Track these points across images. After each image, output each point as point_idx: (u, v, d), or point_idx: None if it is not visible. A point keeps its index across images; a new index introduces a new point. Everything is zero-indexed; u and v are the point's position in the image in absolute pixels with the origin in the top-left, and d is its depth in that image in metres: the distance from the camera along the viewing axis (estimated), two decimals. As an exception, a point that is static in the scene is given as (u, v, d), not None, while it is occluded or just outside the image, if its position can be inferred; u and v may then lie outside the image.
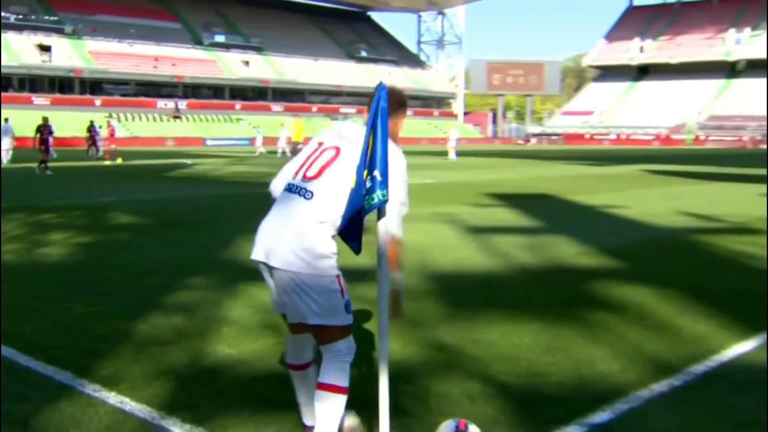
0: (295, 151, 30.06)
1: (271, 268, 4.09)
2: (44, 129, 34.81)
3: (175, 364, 6.12)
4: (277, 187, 4.40)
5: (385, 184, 3.58)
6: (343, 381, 4.14)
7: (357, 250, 4.06)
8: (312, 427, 4.32)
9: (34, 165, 33.71)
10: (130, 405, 5.21)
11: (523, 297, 8.75)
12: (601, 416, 5.05)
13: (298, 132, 29.62)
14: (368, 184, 3.60)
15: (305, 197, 4.05)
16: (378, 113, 3.65)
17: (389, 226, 4.03)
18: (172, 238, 13.41)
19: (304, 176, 4.14)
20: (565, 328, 7.29)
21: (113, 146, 48.86)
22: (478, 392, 5.48)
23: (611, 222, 16.29)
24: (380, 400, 3.96)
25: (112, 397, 5.35)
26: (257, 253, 4.15)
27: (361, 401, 4.63)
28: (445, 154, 54.01)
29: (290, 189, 4.19)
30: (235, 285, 8.99)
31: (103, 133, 50.67)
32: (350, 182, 3.83)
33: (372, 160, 3.58)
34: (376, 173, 3.56)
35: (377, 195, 3.59)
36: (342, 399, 4.13)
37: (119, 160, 43.10)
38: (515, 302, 8.41)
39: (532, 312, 7.88)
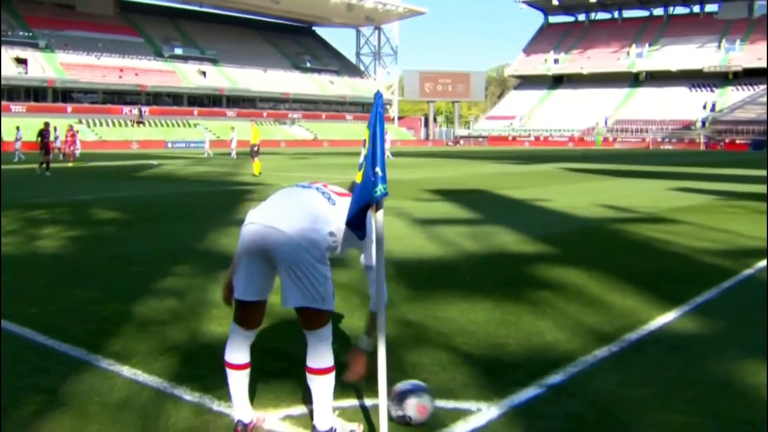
0: (253, 153, 29.92)
1: (267, 251, 3.95)
2: (45, 134, 34.40)
3: (177, 341, 6.20)
4: None
5: (384, 179, 3.71)
6: (332, 361, 4.10)
7: (362, 237, 4.10)
8: (246, 422, 4.25)
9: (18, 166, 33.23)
10: (142, 377, 5.29)
11: (473, 279, 8.89)
12: (554, 378, 5.26)
13: (254, 135, 29.60)
14: (372, 179, 3.71)
15: (329, 200, 4.13)
16: (376, 118, 3.77)
17: (379, 293, 4.06)
18: (152, 231, 13.32)
19: (325, 185, 4.25)
20: (513, 305, 7.47)
21: (73, 149, 47.70)
22: (447, 361, 5.65)
23: (540, 213, 16.52)
24: (379, 367, 4.04)
25: (126, 370, 5.43)
26: (258, 218, 4.02)
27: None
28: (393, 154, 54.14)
29: (305, 186, 4.24)
30: (216, 272, 9.02)
31: (62, 138, 49.26)
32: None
33: (373, 159, 3.71)
34: (377, 170, 3.69)
35: (379, 189, 3.71)
36: (333, 376, 4.11)
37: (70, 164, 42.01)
38: (467, 284, 8.57)
39: (483, 292, 8.04)
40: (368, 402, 4.74)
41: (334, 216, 4.07)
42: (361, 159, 3.83)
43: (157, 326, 6.67)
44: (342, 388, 4.96)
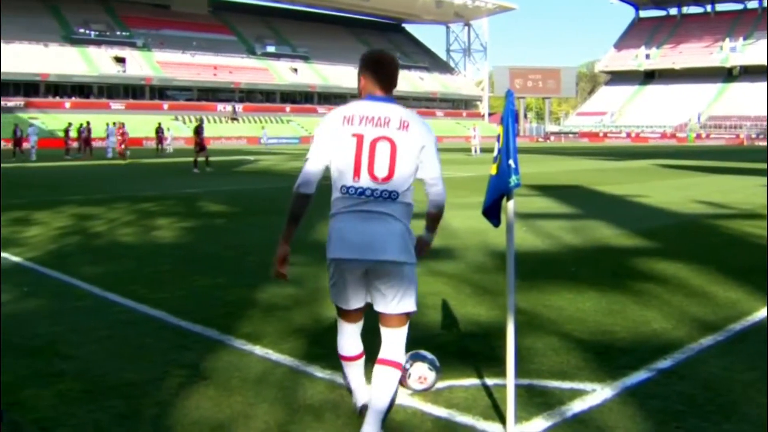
0: None
1: (364, 263, 4.05)
2: (200, 130, 31.77)
3: (301, 325, 6.57)
4: (311, 187, 4.21)
5: (517, 170, 3.98)
6: (404, 358, 4.32)
7: (497, 224, 4.31)
8: (367, 406, 4.29)
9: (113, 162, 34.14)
10: (275, 356, 5.67)
11: (577, 271, 9.10)
12: (663, 363, 5.46)
13: None
14: (506, 170, 3.98)
15: (391, 198, 4.00)
16: (508, 114, 4.04)
17: (444, 199, 4.32)
18: (261, 223, 13.81)
19: (375, 177, 3.98)
20: (618, 295, 7.67)
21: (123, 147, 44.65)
22: (559, 346, 5.90)
23: (637, 209, 16.57)
24: (508, 348, 4.31)
25: (258, 350, 5.82)
26: (346, 252, 4.07)
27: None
28: (469, 150, 54.17)
29: (364, 192, 4.00)
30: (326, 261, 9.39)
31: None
32: (414, 172, 4.06)
33: (506, 151, 3.98)
34: (511, 162, 3.96)
35: (513, 179, 3.97)
36: (399, 373, 4.23)
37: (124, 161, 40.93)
38: (571, 275, 8.79)
39: (588, 283, 8.25)
40: (489, 381, 5.04)
41: (404, 207, 4.14)
42: (496, 152, 4.09)
43: (281, 311, 7.06)
44: (463, 368, 5.29)
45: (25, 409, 4.61)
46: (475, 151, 51.80)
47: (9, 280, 8.58)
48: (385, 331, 4.23)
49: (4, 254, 10.30)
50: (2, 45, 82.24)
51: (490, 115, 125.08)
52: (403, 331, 4.22)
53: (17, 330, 6.46)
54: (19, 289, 8.12)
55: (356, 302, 4.30)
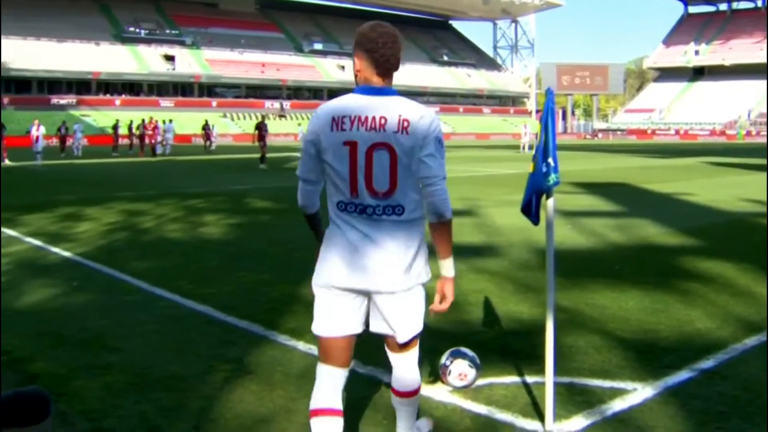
0: None
1: (361, 292, 3.47)
2: (262, 126, 32.81)
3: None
4: (314, 206, 3.72)
5: (556, 168, 3.98)
6: (420, 380, 3.83)
7: (536, 222, 4.27)
8: None
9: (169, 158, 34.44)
10: (317, 351, 5.70)
11: (621, 269, 9.05)
12: (706, 363, 5.43)
13: None
14: (545, 169, 3.98)
15: (396, 213, 3.38)
16: (548, 112, 4.04)
17: (445, 204, 3.40)
18: (306, 219, 13.79)
19: (374, 192, 3.35)
20: (662, 294, 7.63)
21: (153, 142, 44.75)
22: (601, 344, 5.89)
23: (684, 207, 16.42)
24: (547, 346, 4.31)
25: (301, 345, 5.89)
26: (341, 278, 3.44)
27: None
28: (517, 147, 53.98)
29: (364, 210, 3.39)
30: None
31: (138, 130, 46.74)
32: (419, 174, 3.34)
33: (545, 149, 3.98)
34: (550, 160, 3.97)
35: (551, 178, 3.97)
36: (418, 398, 3.86)
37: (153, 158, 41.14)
38: (615, 273, 8.75)
39: (631, 282, 8.21)
40: (530, 379, 5.05)
41: (410, 226, 3.48)
42: (534, 150, 4.10)
43: (316, 308, 7.11)
44: (503, 365, 5.30)
45: (73, 400, 4.72)
46: (524, 149, 51.60)
47: (60, 275, 8.78)
48: (394, 357, 3.77)
49: (55, 249, 10.53)
50: (55, 44, 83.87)
51: (537, 112, 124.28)
52: (414, 353, 3.71)
53: (67, 323, 6.61)
54: (69, 283, 8.29)
55: (347, 327, 3.58)
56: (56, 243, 10.97)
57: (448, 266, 3.53)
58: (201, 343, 5.96)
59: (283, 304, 7.21)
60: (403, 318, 3.53)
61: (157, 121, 45.95)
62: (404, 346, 3.66)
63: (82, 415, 4.52)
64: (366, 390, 4.92)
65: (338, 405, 3.66)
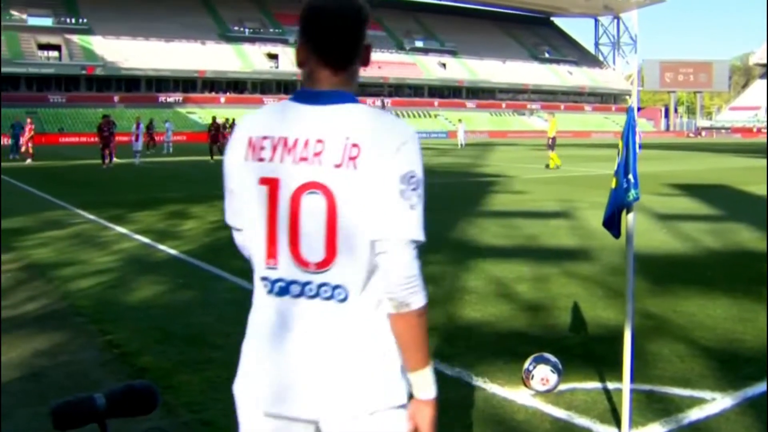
0: (550, 145, 30.34)
1: (303, 423, 2.17)
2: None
3: (436, 323, 6.78)
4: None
5: (636, 185, 4.11)
6: None
7: (617, 235, 4.39)
8: None
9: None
10: None
11: (712, 276, 9.02)
12: (790, 376, 5.46)
13: (552, 127, 30.37)
14: (625, 185, 4.11)
15: (336, 298, 2.11)
16: (629, 129, 4.15)
17: (408, 286, 2.08)
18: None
19: (302, 260, 2.11)
20: (751, 303, 7.59)
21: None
22: (685, 353, 5.96)
23: (784, 211, 16.10)
24: (624, 353, 4.43)
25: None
26: (268, 403, 2.17)
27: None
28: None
29: (286, 289, 2.15)
30: (465, 260, 9.65)
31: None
32: (369, 234, 2.02)
33: (626, 167, 4.10)
34: (630, 177, 4.09)
35: (631, 193, 4.10)
36: None
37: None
38: (706, 280, 8.73)
39: (722, 289, 8.18)
40: (611, 385, 5.16)
41: (356, 315, 2.14)
42: (616, 167, 4.23)
43: (416, 309, 7.31)
44: (586, 371, 5.42)
45: (177, 393, 5.06)
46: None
47: (166, 272, 9.26)
48: None
49: (162, 246, 11.04)
50: (164, 44, 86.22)
51: (639, 109, 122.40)
52: None
53: (174, 319, 7.00)
54: (175, 280, 8.72)
55: None
56: (163, 240, 11.47)
57: (421, 382, 2.18)
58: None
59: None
60: None
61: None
62: None
63: (185, 406, 4.84)
64: (454, 391, 5.09)
65: None
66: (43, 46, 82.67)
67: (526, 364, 5.08)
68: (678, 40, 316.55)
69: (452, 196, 18.47)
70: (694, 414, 4.71)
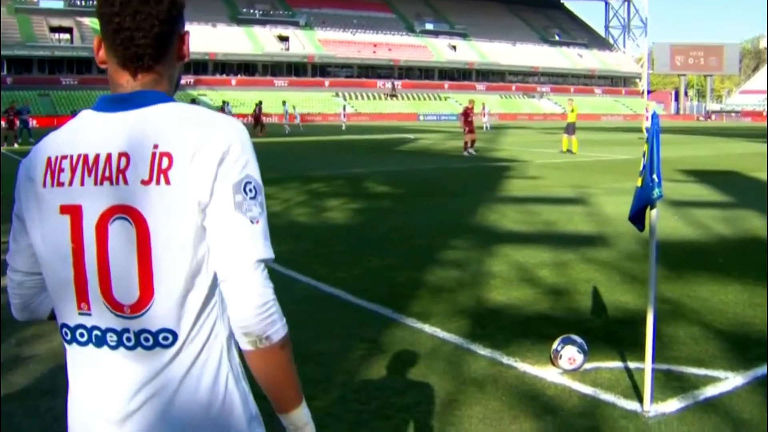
0: (569, 129, 30.35)
1: None
2: (469, 111, 30.49)
3: (465, 306, 7.30)
4: (31, 311, 2.02)
5: (660, 183, 4.54)
6: None
7: (642, 229, 4.82)
8: None
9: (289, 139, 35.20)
10: (441, 334, 6.42)
11: (724, 262, 9.42)
12: (796, 356, 5.91)
13: (573, 112, 30.63)
14: (651, 184, 4.53)
15: (160, 344, 1.75)
16: (654, 134, 4.56)
17: (264, 316, 1.74)
18: (424, 205, 14.55)
19: (116, 304, 1.76)
20: (762, 289, 7.96)
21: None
22: (699, 335, 6.42)
23: (793, 198, 16.44)
24: (647, 336, 4.88)
25: (427, 328, 6.59)
26: None
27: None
28: (639, 130, 53.24)
29: (102, 339, 1.79)
30: (488, 245, 10.12)
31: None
32: (192, 270, 1.70)
33: (651, 167, 4.53)
34: (654, 176, 4.52)
35: (656, 192, 4.53)
36: None
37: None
38: (718, 266, 9.15)
39: (733, 275, 8.61)
40: (632, 365, 5.63)
41: (185, 361, 1.79)
42: (641, 167, 4.66)
43: (446, 292, 7.81)
44: (608, 351, 5.89)
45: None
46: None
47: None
48: None
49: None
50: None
51: (649, 92, 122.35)
52: None
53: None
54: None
55: None
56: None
57: (297, 421, 1.85)
58: (338, 324, 6.72)
59: (408, 289, 7.91)
60: None
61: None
62: None
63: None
64: (487, 369, 5.56)
65: None
66: (54, 29, 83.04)
67: (555, 345, 5.55)
68: (688, 23, 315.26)
69: (468, 181, 18.97)
70: (709, 391, 5.15)
